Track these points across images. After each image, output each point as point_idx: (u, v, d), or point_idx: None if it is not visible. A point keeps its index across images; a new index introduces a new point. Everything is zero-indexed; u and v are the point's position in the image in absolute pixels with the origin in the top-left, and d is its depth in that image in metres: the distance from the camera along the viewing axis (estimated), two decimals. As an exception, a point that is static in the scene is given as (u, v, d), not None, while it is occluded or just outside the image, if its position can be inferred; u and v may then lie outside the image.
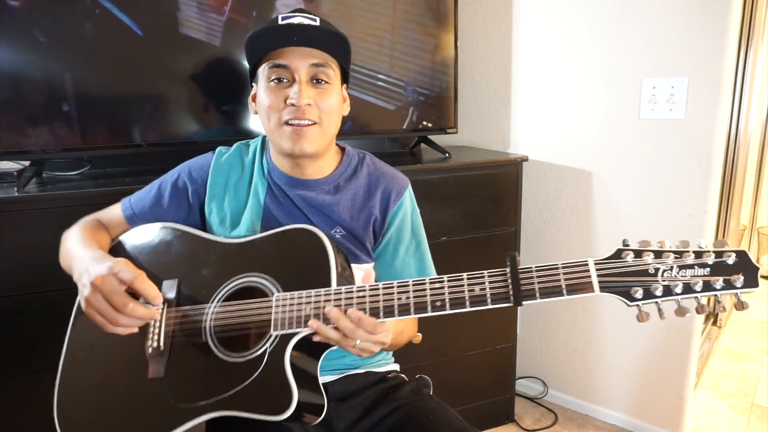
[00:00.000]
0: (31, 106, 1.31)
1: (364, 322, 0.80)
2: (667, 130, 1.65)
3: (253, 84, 1.01)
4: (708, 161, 1.60)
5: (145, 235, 1.01)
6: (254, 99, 1.01)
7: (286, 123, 0.93)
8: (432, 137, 1.84)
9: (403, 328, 0.98)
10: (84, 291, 0.84)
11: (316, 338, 0.82)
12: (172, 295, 0.92)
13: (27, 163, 1.39)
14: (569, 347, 2.00)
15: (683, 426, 1.80)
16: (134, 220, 1.05)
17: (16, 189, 1.27)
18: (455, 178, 1.66)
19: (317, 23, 0.95)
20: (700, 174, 1.62)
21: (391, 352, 1.13)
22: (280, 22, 0.93)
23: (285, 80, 0.94)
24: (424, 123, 1.77)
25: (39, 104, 1.32)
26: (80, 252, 0.93)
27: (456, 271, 0.79)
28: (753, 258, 0.70)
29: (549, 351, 2.06)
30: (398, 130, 1.75)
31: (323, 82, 0.95)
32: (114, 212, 1.07)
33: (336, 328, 0.81)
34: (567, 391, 2.04)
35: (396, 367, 1.12)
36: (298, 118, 0.93)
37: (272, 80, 0.94)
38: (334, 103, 0.96)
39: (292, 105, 0.92)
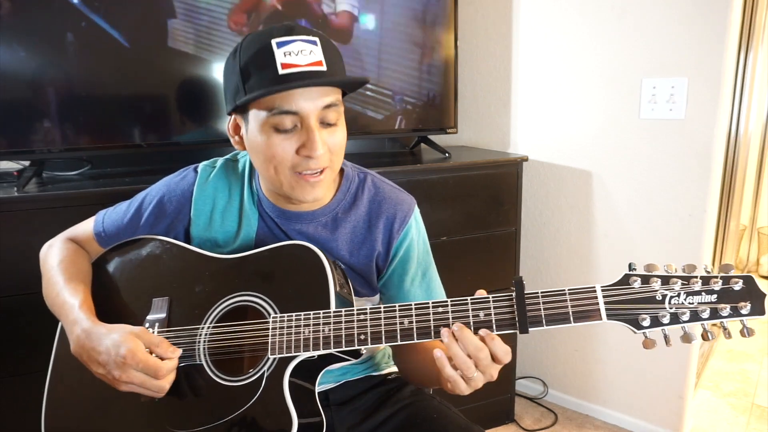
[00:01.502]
0: (30, 107, 1.31)
1: (497, 350, 0.73)
2: (667, 130, 1.65)
3: (234, 115, 0.88)
4: (708, 161, 1.60)
5: (133, 248, 0.97)
6: (237, 131, 0.89)
7: (299, 173, 0.83)
8: (432, 137, 1.84)
9: None
10: (110, 381, 0.81)
11: (437, 353, 0.75)
12: (163, 314, 0.89)
13: (27, 163, 1.39)
14: (569, 347, 2.00)
15: (683, 426, 1.80)
16: (106, 241, 0.99)
17: (16, 189, 1.27)
18: (455, 178, 1.66)
19: (317, 44, 0.80)
20: (700, 174, 1.62)
21: (389, 354, 1.11)
22: (280, 71, 0.78)
23: (295, 126, 0.82)
24: (424, 123, 1.76)
25: (39, 104, 1.32)
26: (69, 306, 0.87)
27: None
28: (760, 284, 0.69)
29: (549, 351, 2.06)
30: (398, 130, 1.74)
31: (333, 121, 0.85)
32: (88, 228, 1.01)
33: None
34: (567, 391, 2.04)
35: (395, 368, 1.11)
36: (312, 168, 0.83)
37: (279, 129, 0.81)
38: (342, 139, 0.87)
39: (308, 156, 0.81)
